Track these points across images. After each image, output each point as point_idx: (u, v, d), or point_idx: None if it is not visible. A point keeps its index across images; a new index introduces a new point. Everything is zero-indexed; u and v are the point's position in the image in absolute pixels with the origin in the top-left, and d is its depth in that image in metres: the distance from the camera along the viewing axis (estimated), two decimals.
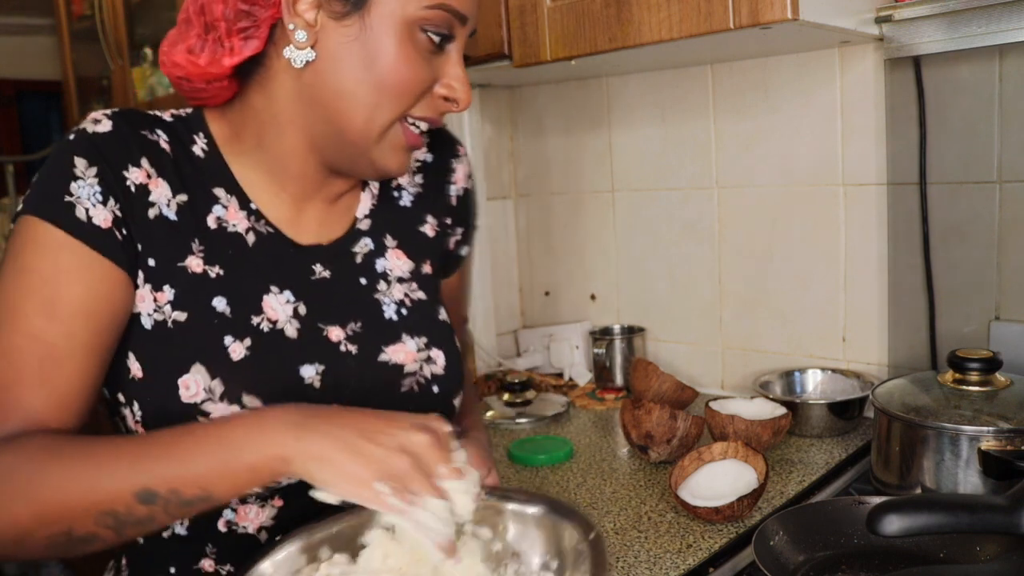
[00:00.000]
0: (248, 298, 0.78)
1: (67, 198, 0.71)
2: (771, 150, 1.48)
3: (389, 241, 0.89)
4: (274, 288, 0.80)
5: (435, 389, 0.84)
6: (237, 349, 0.75)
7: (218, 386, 0.74)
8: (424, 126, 0.78)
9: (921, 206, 1.30)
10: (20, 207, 0.72)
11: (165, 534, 0.79)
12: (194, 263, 0.77)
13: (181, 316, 0.75)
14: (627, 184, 1.71)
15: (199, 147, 0.80)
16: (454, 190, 0.96)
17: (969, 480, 1.00)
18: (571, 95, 1.76)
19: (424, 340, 0.85)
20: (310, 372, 0.79)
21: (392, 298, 0.86)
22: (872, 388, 1.18)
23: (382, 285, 0.86)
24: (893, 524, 0.74)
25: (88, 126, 0.75)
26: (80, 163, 0.72)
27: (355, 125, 0.75)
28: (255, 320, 0.78)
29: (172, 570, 0.80)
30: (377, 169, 0.79)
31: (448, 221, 0.95)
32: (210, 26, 0.75)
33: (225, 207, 0.80)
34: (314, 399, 0.78)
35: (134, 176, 0.75)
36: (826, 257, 1.44)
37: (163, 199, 0.76)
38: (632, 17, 1.17)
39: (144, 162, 0.76)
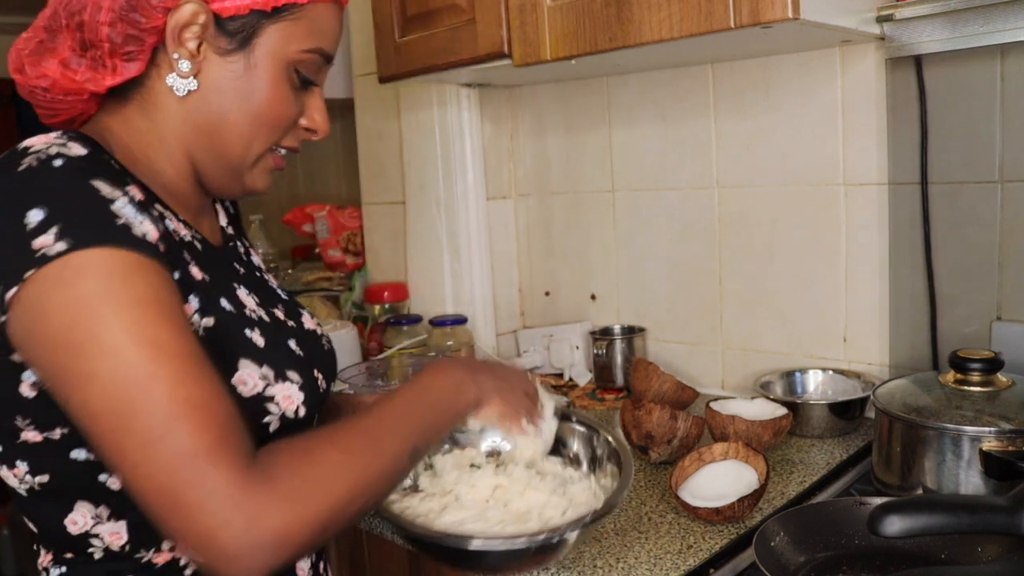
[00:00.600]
0: (232, 295, 0.81)
1: (118, 221, 0.66)
2: (771, 150, 1.48)
3: (246, 243, 0.99)
4: (236, 284, 0.84)
5: (334, 347, 0.97)
6: (256, 338, 0.79)
7: (268, 371, 0.77)
8: (284, 151, 0.86)
9: (922, 206, 1.30)
10: (63, 246, 0.63)
11: (187, 572, 0.77)
12: (195, 271, 0.77)
13: (210, 322, 0.75)
14: (627, 184, 1.70)
15: (118, 167, 0.76)
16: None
17: (970, 481, 1.00)
18: (571, 95, 1.76)
19: (306, 311, 0.97)
20: (293, 344, 0.85)
21: (274, 284, 0.97)
22: (873, 388, 1.18)
23: (265, 276, 0.96)
24: (894, 525, 0.74)
25: (65, 151, 0.68)
26: (102, 186, 0.67)
27: (234, 152, 0.81)
28: (247, 312, 0.81)
29: None
30: (247, 190, 0.85)
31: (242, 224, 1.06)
32: (90, 44, 0.75)
33: (170, 221, 0.79)
34: (306, 365, 0.84)
35: (134, 193, 0.70)
36: (827, 257, 1.44)
37: (155, 213, 0.73)
38: (632, 16, 1.16)
39: (129, 179, 0.72)
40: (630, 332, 1.70)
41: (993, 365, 1.07)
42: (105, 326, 0.63)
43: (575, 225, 1.81)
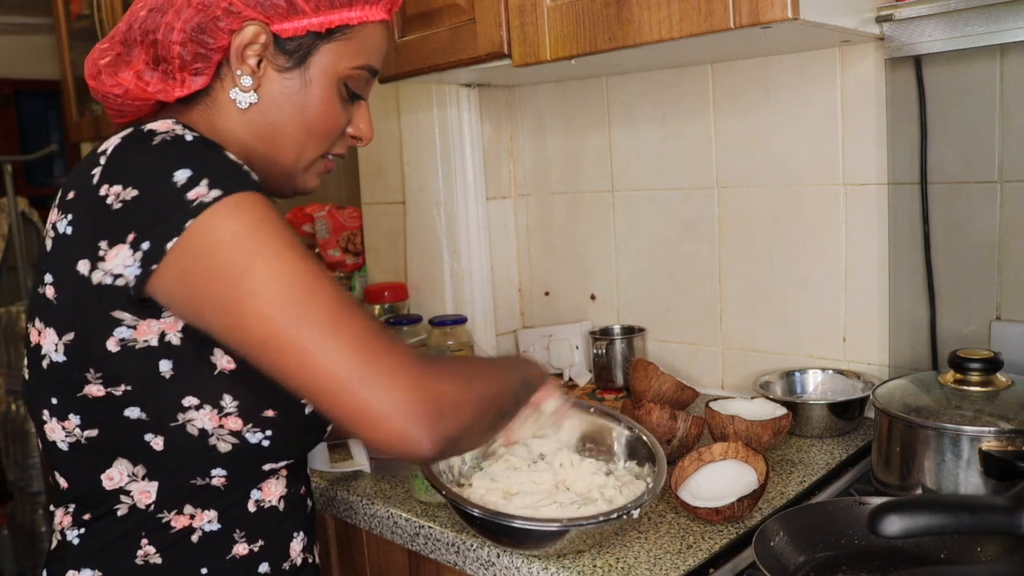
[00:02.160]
0: None
1: (252, 175, 0.76)
2: (771, 150, 1.48)
3: None
4: None
5: None
6: None
7: None
8: (332, 156, 0.93)
9: (922, 206, 1.30)
10: (218, 192, 0.72)
11: (194, 537, 0.83)
12: None
13: None
14: (627, 184, 1.70)
15: None
16: None
17: (970, 481, 1.00)
18: (571, 95, 1.76)
19: None
20: None
21: None
22: (873, 388, 1.18)
23: None
24: (894, 525, 0.74)
25: (186, 134, 0.77)
26: (229, 154, 0.77)
27: (288, 159, 0.88)
28: None
29: (204, 571, 0.83)
30: (298, 190, 0.93)
31: None
32: (162, 59, 0.82)
33: None
34: None
35: None
36: (826, 257, 1.44)
37: None
38: (632, 16, 1.16)
39: None
40: (630, 332, 1.70)
41: (992, 365, 1.07)
42: (269, 244, 0.72)
43: (575, 225, 1.81)
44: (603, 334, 1.71)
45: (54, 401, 0.80)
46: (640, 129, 1.66)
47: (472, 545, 1.05)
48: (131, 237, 0.72)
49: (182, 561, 0.82)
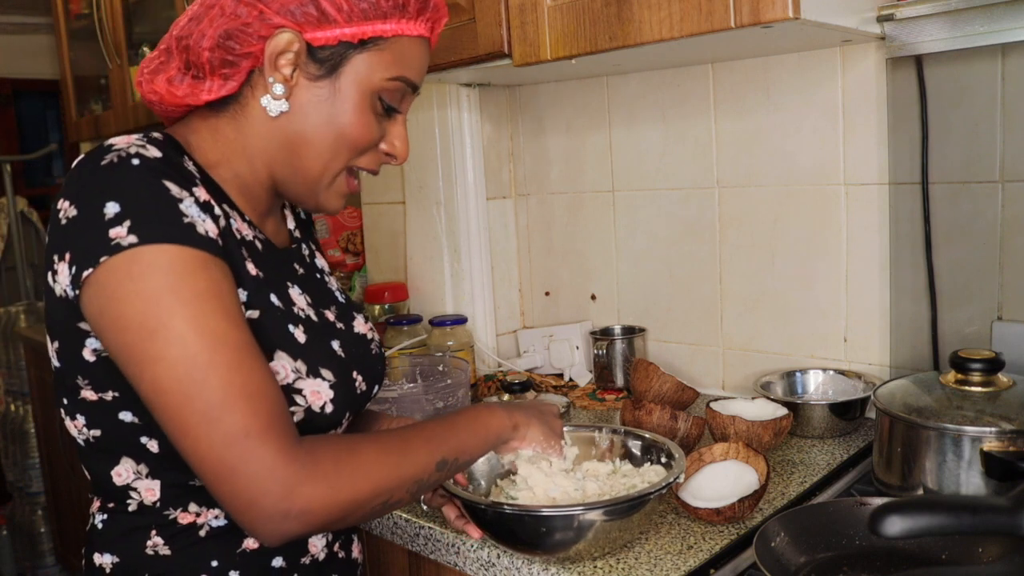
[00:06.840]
0: (283, 293, 0.89)
1: (185, 220, 0.75)
2: (772, 150, 1.48)
3: (312, 246, 1.05)
4: (289, 283, 0.91)
5: (383, 351, 1.03)
6: (299, 334, 0.86)
7: (301, 366, 0.83)
8: (361, 171, 0.92)
9: (923, 206, 1.30)
10: (134, 239, 0.72)
11: (202, 532, 0.84)
12: (250, 267, 0.84)
13: (255, 314, 0.82)
14: (627, 184, 1.70)
15: (191, 168, 0.84)
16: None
17: (971, 481, 1.00)
18: (571, 94, 1.76)
19: (363, 315, 1.03)
20: (336, 346, 0.91)
21: (333, 287, 1.02)
22: (874, 389, 1.18)
23: (326, 278, 1.02)
24: (895, 525, 0.74)
25: (144, 152, 0.76)
26: (172, 187, 0.76)
27: (312, 170, 0.87)
28: (295, 310, 0.88)
29: (215, 563, 0.85)
30: (319, 206, 0.91)
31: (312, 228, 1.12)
32: (192, 64, 0.84)
33: (234, 220, 0.86)
34: (345, 366, 0.90)
35: (200, 194, 0.79)
36: (827, 257, 1.44)
37: (217, 213, 0.81)
38: (632, 16, 1.16)
39: (197, 181, 0.80)
40: (630, 332, 1.70)
41: (994, 365, 1.06)
42: (172, 316, 0.71)
43: (575, 225, 1.81)
44: (603, 334, 1.71)
45: (65, 402, 0.83)
46: (640, 129, 1.66)
47: (472, 546, 1.05)
48: (68, 256, 0.74)
49: (191, 554, 0.84)
